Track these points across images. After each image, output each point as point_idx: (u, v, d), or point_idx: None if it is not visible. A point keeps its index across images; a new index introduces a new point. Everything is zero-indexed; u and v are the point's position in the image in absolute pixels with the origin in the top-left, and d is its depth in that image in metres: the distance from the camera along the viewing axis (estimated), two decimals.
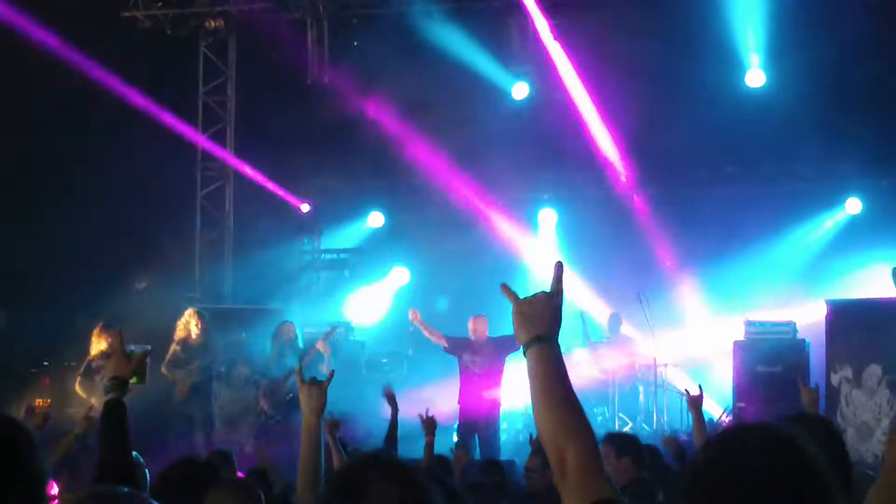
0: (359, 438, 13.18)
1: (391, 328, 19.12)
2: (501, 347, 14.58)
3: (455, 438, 16.06)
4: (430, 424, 8.94)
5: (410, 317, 15.22)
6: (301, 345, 15.47)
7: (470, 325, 15.02)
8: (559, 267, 3.23)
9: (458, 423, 14.97)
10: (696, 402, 8.17)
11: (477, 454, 13.63)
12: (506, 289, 3.27)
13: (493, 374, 14.68)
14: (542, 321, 3.15)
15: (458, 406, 14.91)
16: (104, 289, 17.42)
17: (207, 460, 4.73)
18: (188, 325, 15.39)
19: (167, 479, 5.51)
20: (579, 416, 3.05)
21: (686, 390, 8.67)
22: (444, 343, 14.96)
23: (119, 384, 5.13)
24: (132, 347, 5.32)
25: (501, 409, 14.87)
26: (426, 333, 15.05)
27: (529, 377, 3.11)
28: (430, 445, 8.78)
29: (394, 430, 9.16)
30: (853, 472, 4.97)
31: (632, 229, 18.67)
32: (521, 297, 3.24)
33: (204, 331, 15.33)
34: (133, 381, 5.23)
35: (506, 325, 12.53)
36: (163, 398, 15.20)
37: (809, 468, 2.62)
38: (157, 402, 14.68)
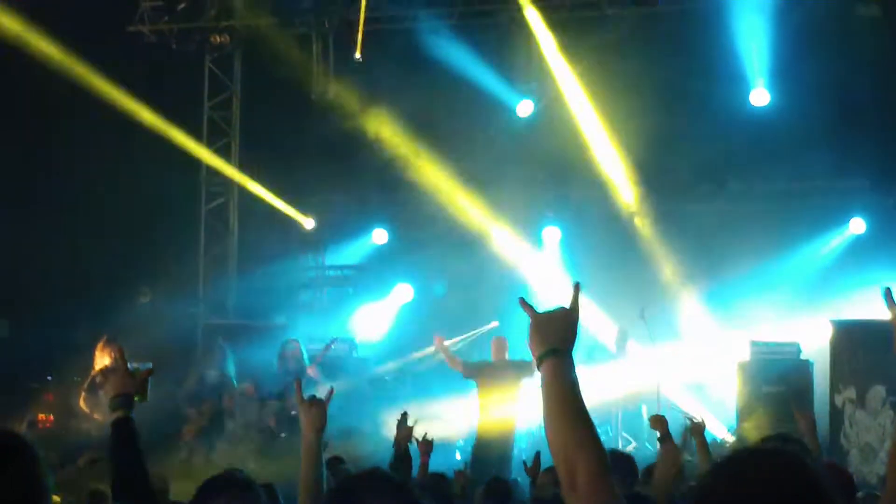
0: (363, 456, 13.15)
1: (395, 345, 19.11)
2: (519, 371, 14.63)
3: (458, 456, 16.07)
4: (425, 446, 8.92)
5: (436, 345, 15.27)
6: (307, 362, 15.49)
7: (492, 346, 15.14)
8: (577, 287, 3.28)
9: (474, 442, 14.93)
10: (699, 429, 8.21)
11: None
12: (524, 303, 3.29)
13: (511, 395, 14.70)
14: (558, 335, 3.17)
15: (476, 426, 14.93)
16: (108, 303, 17.44)
17: (243, 475, 4.70)
18: (212, 356, 15.44)
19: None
20: (590, 430, 3.05)
21: (690, 418, 8.72)
22: (461, 369, 14.97)
23: (125, 401, 5.11)
24: (134, 365, 5.29)
25: (517, 430, 14.92)
26: (447, 360, 15.08)
27: (543, 389, 3.13)
28: (424, 465, 8.77)
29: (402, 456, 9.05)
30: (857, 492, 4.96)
31: (636, 246, 18.64)
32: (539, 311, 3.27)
33: (223, 368, 15.35)
34: (136, 398, 5.21)
35: (512, 340, 12.57)
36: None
37: (815, 490, 2.61)
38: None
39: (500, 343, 15.12)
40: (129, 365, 5.25)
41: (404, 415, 8.77)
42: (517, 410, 14.74)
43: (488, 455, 14.27)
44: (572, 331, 3.20)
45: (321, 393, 5.61)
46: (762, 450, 2.77)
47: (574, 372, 3.14)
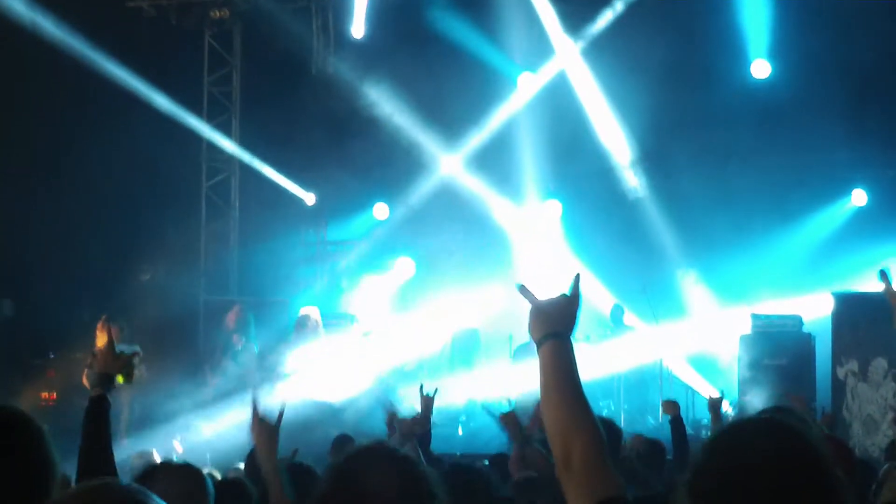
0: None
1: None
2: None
3: (461, 431, 16.12)
4: (426, 402, 8.67)
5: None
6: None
7: None
8: (577, 277, 3.32)
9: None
10: (715, 405, 8.25)
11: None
12: (524, 290, 3.33)
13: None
14: (558, 320, 3.22)
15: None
16: (110, 280, 17.47)
17: (186, 464, 4.71)
18: (228, 321, 15.58)
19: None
20: (587, 412, 3.08)
21: (709, 395, 8.83)
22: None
23: (106, 380, 5.15)
24: (122, 347, 5.32)
25: None
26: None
27: (540, 372, 3.16)
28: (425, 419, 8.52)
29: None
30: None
31: (636, 220, 18.62)
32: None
33: (247, 335, 15.50)
34: (119, 380, 5.25)
35: (511, 318, 12.60)
36: None
37: (814, 460, 2.60)
38: None
39: None
40: (116, 347, 5.29)
41: (420, 387, 8.71)
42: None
43: None
44: (572, 316, 3.24)
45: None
46: (760, 420, 2.76)
47: (573, 355, 3.17)
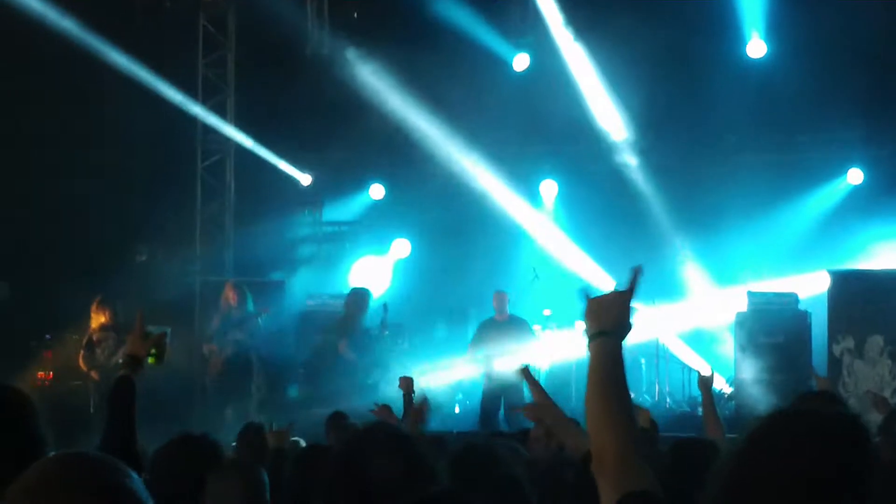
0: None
1: (392, 301, 19.11)
2: (521, 332, 14.84)
3: (457, 409, 16.16)
4: (403, 383, 8.78)
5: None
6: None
7: (494, 302, 15.22)
8: (637, 271, 3.36)
9: (482, 394, 15.09)
10: (706, 383, 8.15)
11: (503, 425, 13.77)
12: (583, 293, 3.37)
13: (515, 351, 14.84)
14: (608, 317, 3.25)
15: (484, 378, 15.08)
16: (105, 262, 17.45)
17: (205, 437, 4.72)
18: (226, 298, 15.47)
19: (164, 456, 5.42)
20: (625, 413, 3.15)
21: (698, 371, 8.73)
22: (473, 356, 15.12)
23: (132, 362, 5.16)
24: (151, 328, 5.35)
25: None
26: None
27: (588, 368, 3.21)
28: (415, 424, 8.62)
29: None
30: None
31: (633, 200, 18.60)
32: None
33: (241, 304, 15.37)
34: (150, 360, 5.27)
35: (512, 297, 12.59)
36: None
37: (865, 454, 2.57)
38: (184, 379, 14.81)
39: (501, 298, 15.23)
40: (146, 328, 5.31)
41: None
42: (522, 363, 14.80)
43: (496, 405, 14.38)
44: (623, 313, 3.26)
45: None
46: (806, 413, 2.71)
47: (620, 355, 3.20)
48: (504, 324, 15.14)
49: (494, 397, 14.68)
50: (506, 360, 14.65)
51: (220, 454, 5.38)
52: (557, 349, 16.57)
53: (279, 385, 16.70)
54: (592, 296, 3.34)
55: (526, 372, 8.63)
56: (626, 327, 3.26)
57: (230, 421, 13.97)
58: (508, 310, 15.49)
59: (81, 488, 2.31)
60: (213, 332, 15.36)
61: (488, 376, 15.07)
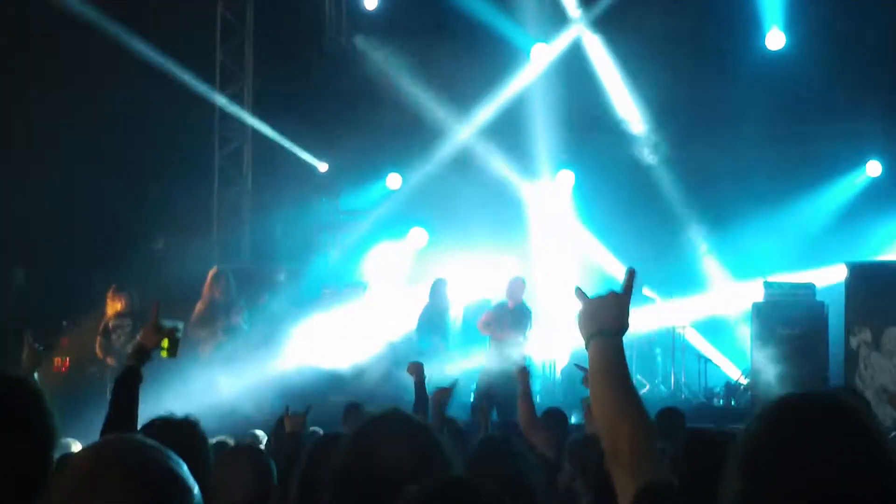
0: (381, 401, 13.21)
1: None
2: (524, 320, 14.84)
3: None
4: (413, 370, 8.71)
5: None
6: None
7: (508, 288, 15.20)
8: (632, 273, 3.43)
9: (476, 385, 15.04)
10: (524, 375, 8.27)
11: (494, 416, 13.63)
12: (579, 292, 3.42)
13: (518, 339, 14.81)
14: (607, 317, 3.31)
15: (483, 367, 15.02)
16: (122, 249, 17.48)
17: (185, 419, 4.72)
18: (212, 284, 15.43)
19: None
20: (633, 404, 3.18)
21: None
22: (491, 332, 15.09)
23: (141, 353, 5.20)
24: (165, 321, 5.39)
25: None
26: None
27: (590, 368, 3.27)
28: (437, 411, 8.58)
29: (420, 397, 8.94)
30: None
31: (649, 192, 18.58)
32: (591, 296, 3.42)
33: (227, 291, 15.34)
34: (163, 354, 5.33)
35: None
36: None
37: (875, 438, 2.56)
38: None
39: (515, 285, 15.21)
40: (160, 321, 5.35)
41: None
42: (524, 355, 14.77)
43: (489, 396, 14.26)
44: (623, 313, 3.32)
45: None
46: (816, 394, 2.70)
47: (619, 353, 3.26)
48: (515, 311, 15.09)
49: (487, 391, 14.53)
50: (511, 347, 14.61)
51: (199, 437, 5.35)
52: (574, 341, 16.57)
53: None
54: (589, 296, 3.38)
55: (524, 373, 8.67)
56: (624, 326, 3.31)
57: None
58: (523, 298, 15.40)
59: (131, 473, 2.33)
60: (199, 318, 15.27)
61: (485, 371, 14.95)
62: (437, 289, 16.10)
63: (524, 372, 8.69)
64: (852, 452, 2.49)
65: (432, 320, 15.85)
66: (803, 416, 2.59)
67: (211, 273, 15.58)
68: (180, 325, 5.54)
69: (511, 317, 14.99)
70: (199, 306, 15.29)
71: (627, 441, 3.08)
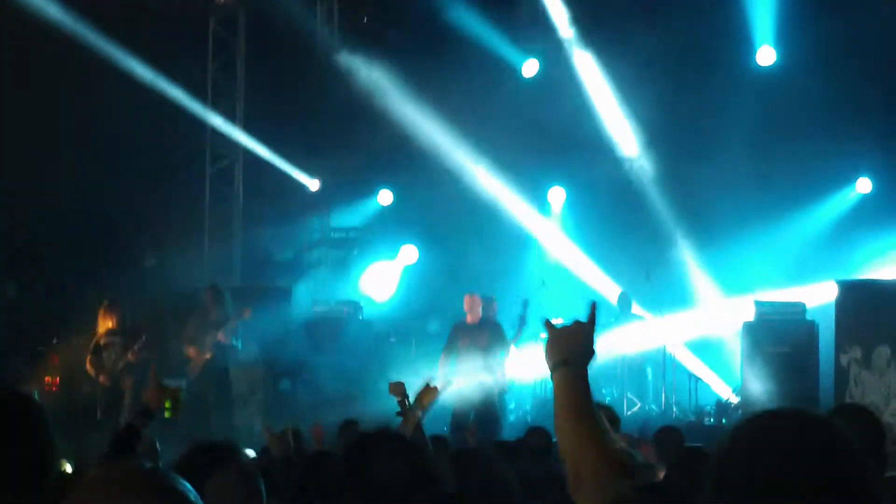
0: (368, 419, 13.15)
1: (400, 306, 19.14)
2: (497, 341, 14.63)
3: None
4: (395, 391, 8.54)
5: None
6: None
7: (465, 304, 14.97)
8: (594, 306, 3.46)
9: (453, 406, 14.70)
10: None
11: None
12: (547, 323, 3.47)
13: (490, 354, 14.60)
14: (570, 347, 3.35)
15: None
16: (113, 265, 17.46)
17: (222, 443, 4.72)
18: (205, 302, 15.40)
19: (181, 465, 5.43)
20: (595, 433, 3.20)
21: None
22: (444, 365, 14.83)
23: (144, 414, 5.28)
24: (167, 382, 5.46)
25: (501, 391, 14.73)
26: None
27: (554, 396, 3.31)
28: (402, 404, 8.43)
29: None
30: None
31: (640, 207, 18.60)
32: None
33: (220, 307, 15.30)
34: (167, 414, 5.39)
35: (510, 305, 12.57)
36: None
37: (844, 452, 2.56)
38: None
39: (473, 300, 14.98)
40: (162, 381, 5.43)
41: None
42: (497, 372, 14.62)
43: (466, 416, 14.06)
44: (586, 344, 3.36)
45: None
46: (787, 409, 2.71)
47: (582, 383, 3.28)
48: (474, 327, 14.86)
49: (465, 413, 14.26)
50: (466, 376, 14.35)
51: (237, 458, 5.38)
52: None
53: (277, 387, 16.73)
54: (555, 325, 3.42)
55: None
56: (588, 356, 3.34)
57: (212, 426, 13.96)
58: (487, 313, 15.11)
59: (147, 483, 2.33)
60: (192, 335, 15.22)
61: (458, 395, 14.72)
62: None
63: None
64: (821, 467, 2.49)
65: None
66: (772, 431, 2.59)
67: (210, 290, 15.53)
68: (183, 384, 5.65)
69: (469, 334, 14.77)
70: (191, 323, 15.27)
71: (590, 469, 3.11)
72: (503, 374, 14.70)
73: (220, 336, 15.11)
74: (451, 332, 15.07)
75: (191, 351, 15.07)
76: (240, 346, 15.55)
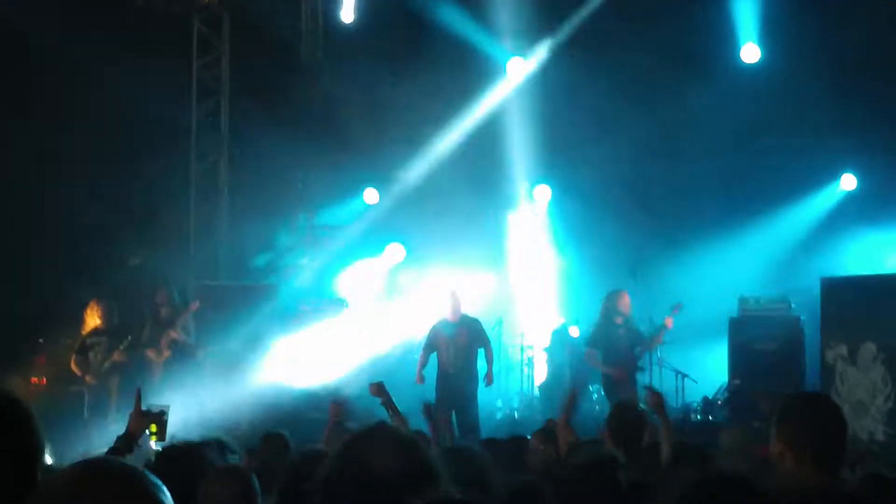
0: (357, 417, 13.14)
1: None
2: (475, 338, 14.70)
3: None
4: (376, 391, 8.50)
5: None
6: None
7: (445, 300, 15.02)
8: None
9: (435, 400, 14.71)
10: (658, 402, 7.62)
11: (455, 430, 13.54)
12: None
13: (469, 352, 14.68)
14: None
15: (436, 383, 14.81)
16: (99, 265, 17.43)
17: (199, 444, 4.72)
18: (155, 302, 15.44)
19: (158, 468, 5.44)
20: None
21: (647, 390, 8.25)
22: (422, 362, 14.92)
23: (129, 439, 5.28)
24: (150, 406, 5.46)
25: (480, 385, 14.79)
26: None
27: None
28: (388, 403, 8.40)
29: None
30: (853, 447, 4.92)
31: (626, 205, 18.60)
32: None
33: (169, 305, 15.35)
34: (152, 439, 5.42)
35: (501, 303, 12.60)
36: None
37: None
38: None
39: (454, 296, 15.03)
40: (145, 406, 5.43)
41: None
42: (476, 367, 14.71)
43: (448, 411, 14.09)
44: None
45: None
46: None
47: None
48: (454, 324, 14.91)
49: (447, 406, 14.28)
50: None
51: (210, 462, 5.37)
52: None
53: None
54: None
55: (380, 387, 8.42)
56: None
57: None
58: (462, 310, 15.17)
59: (112, 494, 2.33)
60: (147, 338, 15.22)
61: (440, 387, 14.75)
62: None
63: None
64: None
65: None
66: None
67: (158, 291, 15.58)
68: (167, 409, 5.62)
69: (449, 331, 14.81)
70: (143, 326, 15.28)
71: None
72: (477, 369, 14.76)
73: (174, 334, 15.14)
74: (430, 329, 15.12)
75: (150, 353, 15.08)
76: (192, 341, 15.63)
